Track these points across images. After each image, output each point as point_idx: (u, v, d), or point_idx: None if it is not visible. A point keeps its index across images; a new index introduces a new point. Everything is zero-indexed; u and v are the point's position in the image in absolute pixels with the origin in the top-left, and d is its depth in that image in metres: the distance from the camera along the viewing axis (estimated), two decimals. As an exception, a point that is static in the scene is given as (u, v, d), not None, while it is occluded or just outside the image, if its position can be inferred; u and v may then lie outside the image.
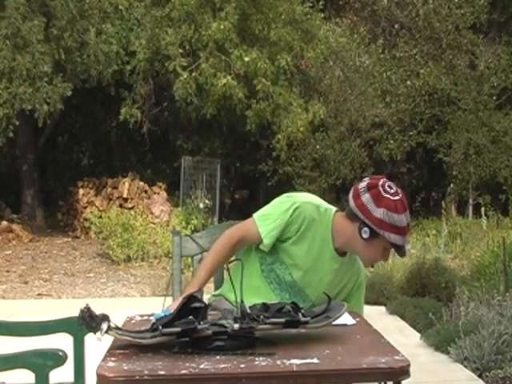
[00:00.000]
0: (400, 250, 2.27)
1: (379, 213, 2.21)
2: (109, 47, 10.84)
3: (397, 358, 1.74)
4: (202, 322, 1.79)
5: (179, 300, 1.96)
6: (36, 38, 9.83)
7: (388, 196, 2.24)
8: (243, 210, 12.04)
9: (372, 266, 2.52)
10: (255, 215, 2.37)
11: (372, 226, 2.23)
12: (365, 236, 2.25)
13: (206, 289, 2.84)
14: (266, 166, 12.57)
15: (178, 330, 1.75)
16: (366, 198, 2.24)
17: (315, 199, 2.43)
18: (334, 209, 2.40)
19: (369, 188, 2.26)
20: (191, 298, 1.85)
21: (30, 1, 10.27)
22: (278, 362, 1.69)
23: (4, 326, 2.64)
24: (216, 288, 2.64)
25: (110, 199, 11.83)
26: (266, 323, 1.81)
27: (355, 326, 2.09)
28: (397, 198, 2.25)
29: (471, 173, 13.07)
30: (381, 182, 2.27)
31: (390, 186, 2.27)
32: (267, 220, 2.33)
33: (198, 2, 11.13)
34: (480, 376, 4.20)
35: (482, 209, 10.77)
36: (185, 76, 10.93)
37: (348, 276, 2.44)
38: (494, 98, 13.53)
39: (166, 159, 14.52)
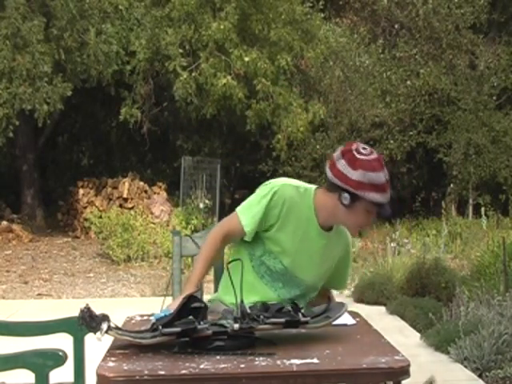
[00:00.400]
0: (383, 209, 2.25)
1: (356, 175, 2.21)
2: (109, 47, 10.83)
3: (397, 358, 1.74)
4: (202, 322, 1.79)
5: (179, 300, 1.96)
6: (36, 38, 9.83)
7: (362, 157, 2.24)
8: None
9: (360, 236, 2.52)
10: (237, 209, 2.39)
11: (351, 190, 2.22)
12: (345, 202, 2.24)
13: (206, 289, 2.84)
14: (265, 166, 12.57)
15: (178, 329, 1.75)
16: (341, 164, 2.24)
17: (293, 181, 2.44)
18: (313, 187, 2.40)
19: (343, 154, 2.26)
20: (191, 298, 1.85)
21: (29, 1, 10.27)
22: (278, 362, 1.69)
23: (4, 326, 2.64)
24: (216, 288, 2.64)
25: (110, 199, 11.83)
26: (266, 323, 1.81)
27: (355, 326, 2.09)
28: (372, 157, 2.26)
29: (471, 173, 13.08)
30: (354, 146, 2.28)
31: (363, 148, 2.28)
32: (248, 210, 2.35)
33: (198, 2, 11.13)
34: (480, 376, 4.20)
35: (482, 209, 10.78)
36: (185, 76, 10.93)
37: (337, 249, 2.44)
38: (494, 98, 13.53)
39: (166, 159, 14.52)
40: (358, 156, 2.24)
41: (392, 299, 6.25)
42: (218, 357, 1.72)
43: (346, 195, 2.23)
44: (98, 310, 1.79)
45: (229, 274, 2.08)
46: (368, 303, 6.44)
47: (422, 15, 13.50)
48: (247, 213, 2.34)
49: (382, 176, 2.23)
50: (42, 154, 13.81)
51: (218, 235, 2.36)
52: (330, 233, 2.39)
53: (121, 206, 11.52)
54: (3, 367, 2.17)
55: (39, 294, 7.40)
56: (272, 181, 2.40)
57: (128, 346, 1.79)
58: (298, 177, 12.45)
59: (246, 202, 2.38)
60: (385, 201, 2.24)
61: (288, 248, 2.34)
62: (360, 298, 6.61)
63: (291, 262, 2.35)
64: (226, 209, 14.45)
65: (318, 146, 12.51)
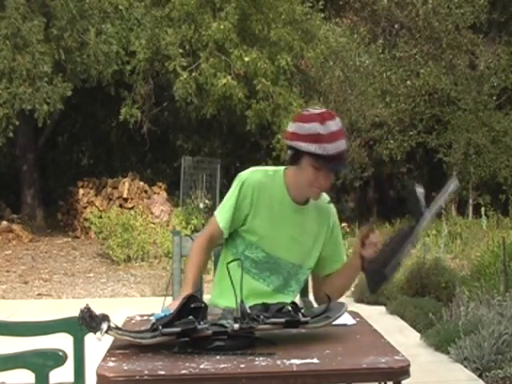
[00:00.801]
0: (330, 163, 2.20)
1: (293, 127, 2.24)
2: (109, 47, 10.83)
3: (397, 357, 1.74)
4: (202, 322, 1.79)
5: (179, 300, 1.96)
6: (36, 38, 9.83)
7: (305, 112, 2.27)
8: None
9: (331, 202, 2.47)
10: (215, 211, 2.44)
11: (288, 143, 2.24)
12: (290, 159, 2.27)
13: (206, 289, 2.84)
14: (266, 165, 12.57)
15: (177, 330, 1.75)
16: (292, 126, 2.26)
17: (262, 167, 2.46)
18: (283, 168, 2.41)
19: (295, 120, 2.29)
20: (191, 298, 1.85)
21: (29, 1, 10.27)
22: (278, 362, 1.69)
23: (4, 326, 2.64)
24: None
25: (110, 199, 11.83)
26: (266, 323, 1.81)
27: (355, 326, 2.09)
28: (316, 111, 2.25)
29: (471, 173, 13.08)
30: (305, 110, 2.31)
31: (314, 109, 2.29)
32: (222, 208, 2.40)
33: (198, 2, 11.14)
34: (480, 376, 4.20)
35: (482, 209, 10.79)
36: (185, 76, 10.94)
37: (317, 222, 2.42)
38: (494, 98, 13.54)
39: (166, 159, 14.52)
40: (304, 113, 2.28)
41: (392, 299, 6.25)
42: (217, 357, 1.72)
43: (289, 152, 2.26)
44: (98, 310, 1.79)
45: (229, 274, 2.08)
46: (368, 303, 6.44)
47: (421, 15, 13.51)
48: (222, 210, 2.39)
49: (321, 127, 2.18)
50: (42, 154, 13.81)
51: (201, 240, 2.41)
52: (305, 206, 2.38)
53: (121, 206, 11.52)
54: (3, 367, 2.17)
55: (39, 294, 7.40)
56: (241, 173, 2.42)
57: (128, 345, 1.79)
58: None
59: (221, 203, 2.43)
60: (325, 152, 2.17)
61: (266, 232, 2.35)
62: (360, 298, 6.60)
63: (272, 246, 2.35)
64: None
65: (318, 146, 12.50)
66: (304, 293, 2.59)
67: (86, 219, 10.96)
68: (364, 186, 15.63)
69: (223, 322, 1.81)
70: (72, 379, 2.46)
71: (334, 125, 2.21)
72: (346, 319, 2.08)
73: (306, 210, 2.39)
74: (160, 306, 2.22)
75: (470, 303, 5.00)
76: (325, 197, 2.44)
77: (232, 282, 1.99)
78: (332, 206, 2.49)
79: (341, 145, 2.20)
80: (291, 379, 1.65)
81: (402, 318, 5.74)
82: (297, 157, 2.25)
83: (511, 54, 13.68)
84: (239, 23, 11.15)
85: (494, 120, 13.21)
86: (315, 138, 2.18)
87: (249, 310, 1.84)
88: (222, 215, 2.38)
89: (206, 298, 2.47)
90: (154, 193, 12.15)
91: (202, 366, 1.66)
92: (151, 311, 2.13)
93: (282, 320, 1.83)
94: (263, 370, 1.65)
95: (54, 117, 11.75)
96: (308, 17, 11.94)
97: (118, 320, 1.91)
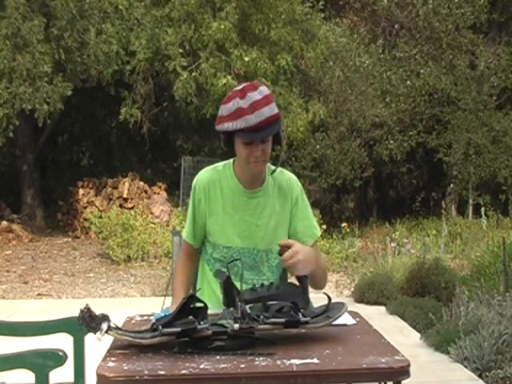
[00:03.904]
0: (254, 133, 2.15)
1: (219, 112, 2.23)
2: (109, 47, 10.84)
3: (397, 357, 1.74)
4: (202, 322, 1.79)
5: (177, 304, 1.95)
6: (36, 38, 9.83)
7: (230, 92, 2.26)
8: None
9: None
10: None
11: (217, 128, 2.23)
12: (223, 144, 2.27)
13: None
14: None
15: (177, 330, 1.75)
16: (219, 111, 2.26)
17: (212, 165, 2.42)
18: (231, 160, 2.39)
19: (221, 103, 2.28)
20: (191, 298, 1.85)
21: (29, 1, 10.27)
22: (278, 362, 1.69)
23: (4, 326, 2.64)
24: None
25: (110, 199, 11.83)
26: (266, 323, 1.81)
27: (355, 326, 2.09)
28: (240, 87, 2.24)
29: (471, 173, 13.09)
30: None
31: (239, 85, 2.28)
32: (186, 220, 2.44)
33: (198, 2, 11.14)
34: (480, 376, 4.20)
35: (482, 209, 10.78)
36: (185, 76, 10.94)
37: (279, 200, 2.36)
38: (494, 98, 13.55)
39: (166, 159, 14.52)
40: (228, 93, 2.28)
41: (392, 299, 6.25)
42: (217, 357, 1.72)
43: (222, 137, 2.25)
44: (97, 310, 1.79)
45: (229, 273, 2.07)
46: (368, 303, 6.45)
47: (422, 15, 13.51)
48: (186, 224, 2.44)
49: (241, 101, 2.15)
50: (42, 154, 13.81)
51: (179, 259, 2.49)
52: (261, 188, 2.34)
53: (121, 206, 11.52)
54: (3, 367, 2.17)
55: (39, 294, 7.40)
56: (193, 182, 2.42)
57: (128, 346, 1.79)
58: (298, 177, 12.40)
59: None
60: (248, 124, 2.12)
61: (224, 226, 2.33)
62: (360, 298, 6.62)
63: (232, 237, 2.32)
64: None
65: (317, 146, 12.52)
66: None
67: (85, 219, 10.97)
68: (364, 186, 15.64)
69: (223, 322, 1.81)
70: (72, 379, 2.46)
71: (257, 94, 2.17)
72: (346, 319, 2.08)
73: (263, 191, 2.34)
74: (160, 305, 2.22)
75: (470, 303, 5.00)
76: (272, 169, 2.37)
77: (234, 284, 1.98)
78: (294, 179, 2.43)
79: (264, 112, 2.13)
80: (291, 379, 1.65)
81: (402, 318, 5.74)
82: (229, 140, 2.24)
83: (511, 54, 13.68)
84: (239, 23, 11.15)
85: (494, 120, 13.21)
86: (237, 114, 2.16)
87: (249, 311, 1.84)
88: (186, 228, 2.42)
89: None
90: (154, 193, 12.15)
91: (202, 366, 1.66)
92: (151, 311, 2.13)
93: (282, 320, 1.83)
94: (263, 370, 1.65)
95: (54, 117, 11.75)
96: (308, 17, 11.94)
97: (118, 320, 1.91)
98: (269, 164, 2.36)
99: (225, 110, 2.21)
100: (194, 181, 2.38)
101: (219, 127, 2.22)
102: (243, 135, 2.17)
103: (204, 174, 2.38)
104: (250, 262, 2.33)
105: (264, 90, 2.20)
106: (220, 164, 2.40)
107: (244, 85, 2.24)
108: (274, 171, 2.36)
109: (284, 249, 2.08)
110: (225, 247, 2.33)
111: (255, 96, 2.16)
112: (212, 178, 2.35)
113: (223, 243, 2.34)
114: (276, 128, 2.20)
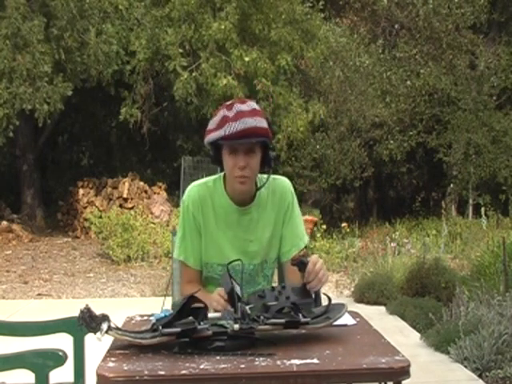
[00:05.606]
0: (237, 139, 2.13)
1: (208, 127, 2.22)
2: (109, 47, 10.84)
3: (397, 358, 1.74)
4: (202, 323, 1.79)
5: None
6: (36, 38, 9.83)
7: (220, 107, 2.24)
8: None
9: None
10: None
11: (205, 141, 2.22)
12: (212, 160, 2.26)
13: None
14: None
15: (177, 330, 1.74)
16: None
17: (201, 180, 2.38)
18: (222, 174, 2.35)
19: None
20: (191, 298, 1.85)
21: (30, 1, 10.27)
22: (278, 363, 1.69)
23: (4, 326, 2.64)
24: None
25: (110, 199, 11.83)
26: (266, 324, 1.81)
27: (355, 326, 2.09)
28: (230, 102, 2.23)
29: (471, 173, 13.08)
30: None
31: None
32: (177, 242, 2.38)
33: (198, 2, 11.14)
34: (480, 376, 4.20)
35: (482, 209, 10.78)
36: (185, 76, 10.93)
37: (273, 209, 2.35)
38: (494, 98, 13.55)
39: (165, 159, 14.52)
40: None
41: (392, 299, 6.25)
42: (217, 357, 1.72)
43: (210, 152, 2.25)
44: (97, 310, 1.78)
45: (229, 273, 2.07)
46: (368, 303, 6.45)
47: (422, 15, 13.51)
48: (177, 245, 2.37)
49: (227, 111, 2.15)
50: (42, 154, 13.81)
51: (182, 287, 2.39)
52: (251, 205, 2.31)
53: (121, 206, 11.52)
54: (3, 367, 2.17)
55: (39, 294, 7.40)
56: (183, 198, 2.38)
57: (128, 346, 1.79)
58: (298, 177, 12.46)
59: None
60: (232, 130, 2.11)
61: (218, 243, 2.31)
62: (360, 298, 6.62)
63: (227, 254, 2.28)
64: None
65: (317, 146, 12.52)
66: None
67: (85, 219, 10.97)
68: (364, 186, 15.64)
69: (223, 322, 1.81)
70: (72, 379, 2.46)
71: (245, 106, 2.17)
72: (346, 319, 2.08)
73: (255, 206, 2.32)
74: (160, 306, 2.22)
75: (470, 303, 5.00)
76: (263, 181, 2.32)
77: (234, 287, 1.98)
78: (288, 187, 2.38)
79: (248, 121, 2.12)
80: (291, 379, 1.65)
81: (402, 318, 5.74)
82: (217, 154, 2.23)
83: (511, 54, 13.68)
84: (239, 23, 11.15)
85: (494, 120, 13.21)
86: (222, 123, 2.15)
87: (249, 311, 1.84)
88: (178, 249, 2.36)
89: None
90: (154, 193, 12.15)
91: (202, 367, 1.66)
92: (151, 311, 2.13)
93: (283, 321, 1.83)
94: (263, 371, 1.65)
95: (54, 117, 11.76)
96: (308, 17, 11.94)
97: (118, 320, 1.91)
98: (260, 175, 2.32)
99: (212, 123, 2.22)
100: (184, 196, 2.34)
101: (206, 140, 2.22)
102: (227, 142, 2.16)
103: (193, 192, 2.33)
104: (246, 276, 2.29)
105: (253, 104, 2.21)
106: (210, 179, 2.36)
107: (235, 100, 2.25)
108: (261, 186, 2.31)
109: (296, 261, 2.05)
110: (221, 264, 2.29)
111: (242, 107, 2.16)
112: (202, 194, 2.32)
113: (217, 261, 2.31)
114: (262, 140, 2.18)
